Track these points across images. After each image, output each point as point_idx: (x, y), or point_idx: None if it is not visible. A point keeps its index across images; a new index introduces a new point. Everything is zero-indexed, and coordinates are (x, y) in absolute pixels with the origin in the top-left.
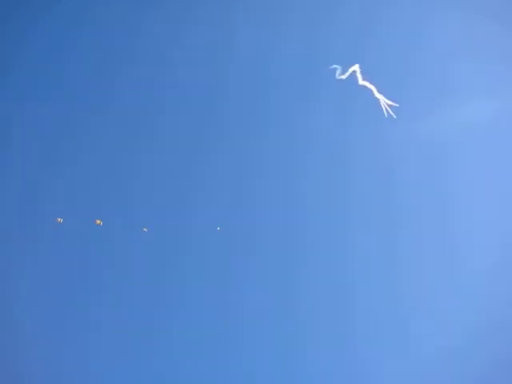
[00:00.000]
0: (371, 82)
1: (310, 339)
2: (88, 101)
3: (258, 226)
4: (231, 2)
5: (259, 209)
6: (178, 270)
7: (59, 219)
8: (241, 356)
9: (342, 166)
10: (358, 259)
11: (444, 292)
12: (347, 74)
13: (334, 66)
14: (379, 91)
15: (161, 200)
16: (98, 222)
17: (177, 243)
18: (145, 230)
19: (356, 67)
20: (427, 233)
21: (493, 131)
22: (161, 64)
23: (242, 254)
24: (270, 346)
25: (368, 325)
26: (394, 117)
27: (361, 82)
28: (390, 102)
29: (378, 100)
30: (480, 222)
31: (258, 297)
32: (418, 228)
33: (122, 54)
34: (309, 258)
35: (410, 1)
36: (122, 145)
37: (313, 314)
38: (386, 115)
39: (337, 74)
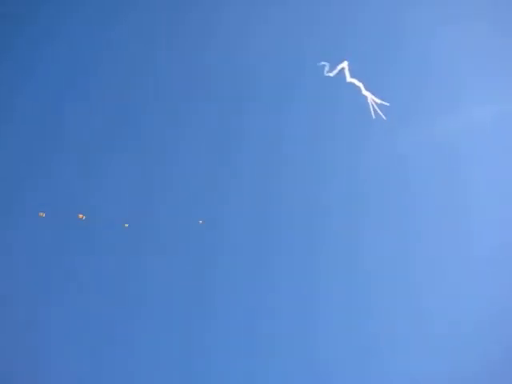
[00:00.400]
0: (360, 80)
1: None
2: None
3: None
4: None
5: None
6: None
7: (41, 214)
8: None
9: (327, 165)
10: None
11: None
12: (335, 72)
13: (323, 62)
14: (368, 89)
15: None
16: (81, 216)
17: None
18: (126, 226)
19: (345, 64)
20: (438, 232)
21: (492, 134)
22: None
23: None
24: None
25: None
26: (384, 117)
27: (349, 79)
28: (378, 101)
29: (365, 97)
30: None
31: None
32: (429, 228)
33: None
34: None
35: None
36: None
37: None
38: (373, 113)
39: (325, 71)
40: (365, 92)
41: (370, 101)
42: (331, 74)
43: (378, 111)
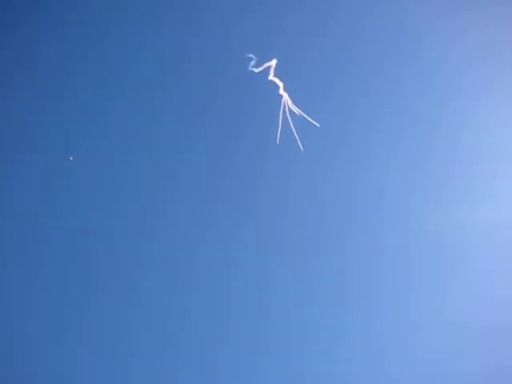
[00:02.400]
0: (282, 80)
1: None
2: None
3: None
4: None
5: None
6: None
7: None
8: None
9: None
10: None
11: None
12: (261, 68)
13: (251, 55)
14: (287, 91)
15: None
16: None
17: None
18: (71, 158)
19: (273, 63)
20: None
21: None
22: None
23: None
24: None
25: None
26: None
27: (271, 77)
28: (296, 109)
29: (280, 97)
30: None
31: None
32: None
33: None
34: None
35: None
36: None
37: None
38: (280, 114)
39: (250, 65)
40: (282, 92)
41: (284, 101)
42: (256, 70)
43: (288, 114)
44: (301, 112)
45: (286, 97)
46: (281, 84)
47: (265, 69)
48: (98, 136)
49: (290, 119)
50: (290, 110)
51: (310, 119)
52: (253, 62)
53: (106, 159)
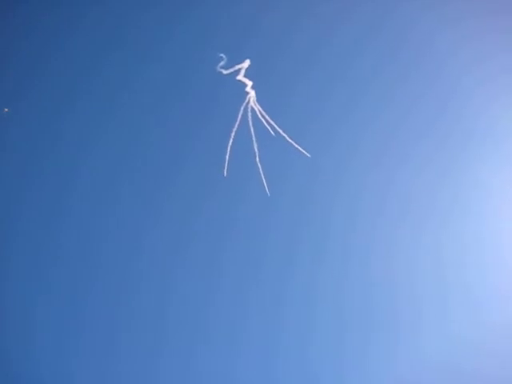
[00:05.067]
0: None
1: None
2: None
3: None
4: None
5: None
6: None
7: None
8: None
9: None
10: None
11: None
12: (231, 70)
13: (222, 55)
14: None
15: None
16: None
17: None
18: (5, 110)
19: (246, 64)
20: None
21: None
22: None
23: None
24: None
25: None
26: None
27: (240, 77)
28: (265, 115)
29: (246, 94)
30: None
31: None
32: None
33: None
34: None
35: None
36: None
37: None
38: (242, 109)
39: (219, 66)
40: (249, 90)
41: (250, 100)
42: (224, 72)
43: (256, 108)
44: (263, 113)
45: (252, 95)
46: (250, 83)
47: (234, 70)
48: None
49: (250, 120)
50: (252, 108)
51: (271, 121)
52: (222, 63)
53: None
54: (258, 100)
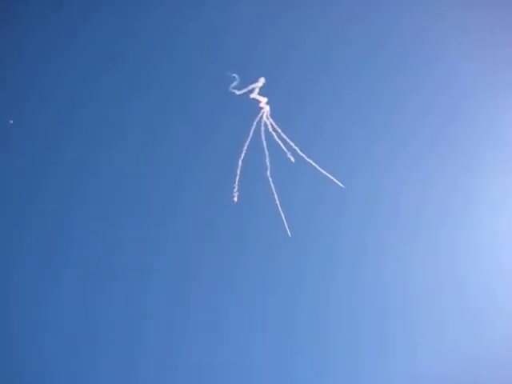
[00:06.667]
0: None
1: None
2: None
3: None
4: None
5: None
6: None
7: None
8: None
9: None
10: None
11: None
12: (245, 90)
13: (234, 75)
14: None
15: None
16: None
17: None
18: (10, 122)
19: (260, 83)
20: None
21: None
22: None
23: None
24: None
25: None
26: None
27: (254, 95)
28: (277, 128)
29: (260, 109)
30: None
31: None
32: None
33: None
34: None
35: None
36: None
37: None
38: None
39: (231, 86)
40: (264, 105)
41: (264, 116)
42: (237, 92)
43: (270, 127)
44: (276, 127)
45: (266, 111)
46: (264, 99)
47: (248, 90)
48: None
49: (263, 134)
50: (264, 123)
51: (283, 135)
52: (235, 83)
53: None
54: (272, 114)
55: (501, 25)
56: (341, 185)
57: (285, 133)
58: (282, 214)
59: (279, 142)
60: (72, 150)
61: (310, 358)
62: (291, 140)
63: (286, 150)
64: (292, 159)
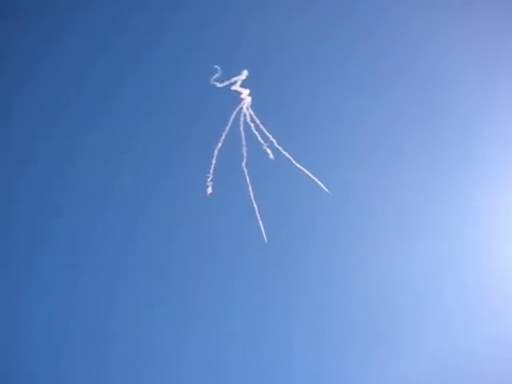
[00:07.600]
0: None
1: None
2: None
3: None
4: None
5: None
6: None
7: None
8: None
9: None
10: None
11: None
12: (226, 83)
13: (216, 66)
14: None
15: None
16: None
17: None
18: None
19: (243, 76)
20: None
21: None
22: None
23: None
24: None
25: None
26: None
27: (236, 87)
28: (256, 119)
29: (241, 100)
30: None
31: None
32: None
33: None
34: None
35: None
36: None
37: None
38: (234, 114)
39: (213, 78)
40: (245, 96)
41: (244, 107)
42: (219, 85)
43: (250, 115)
44: (254, 118)
45: (247, 103)
46: (246, 91)
47: (230, 83)
48: None
49: (241, 125)
50: (244, 114)
51: (261, 126)
52: (216, 75)
53: None
54: (253, 106)
55: (501, 25)
56: (316, 180)
57: (263, 124)
58: (255, 206)
59: (256, 133)
60: (53, 147)
61: (305, 357)
62: (269, 132)
63: (262, 141)
64: (269, 152)
